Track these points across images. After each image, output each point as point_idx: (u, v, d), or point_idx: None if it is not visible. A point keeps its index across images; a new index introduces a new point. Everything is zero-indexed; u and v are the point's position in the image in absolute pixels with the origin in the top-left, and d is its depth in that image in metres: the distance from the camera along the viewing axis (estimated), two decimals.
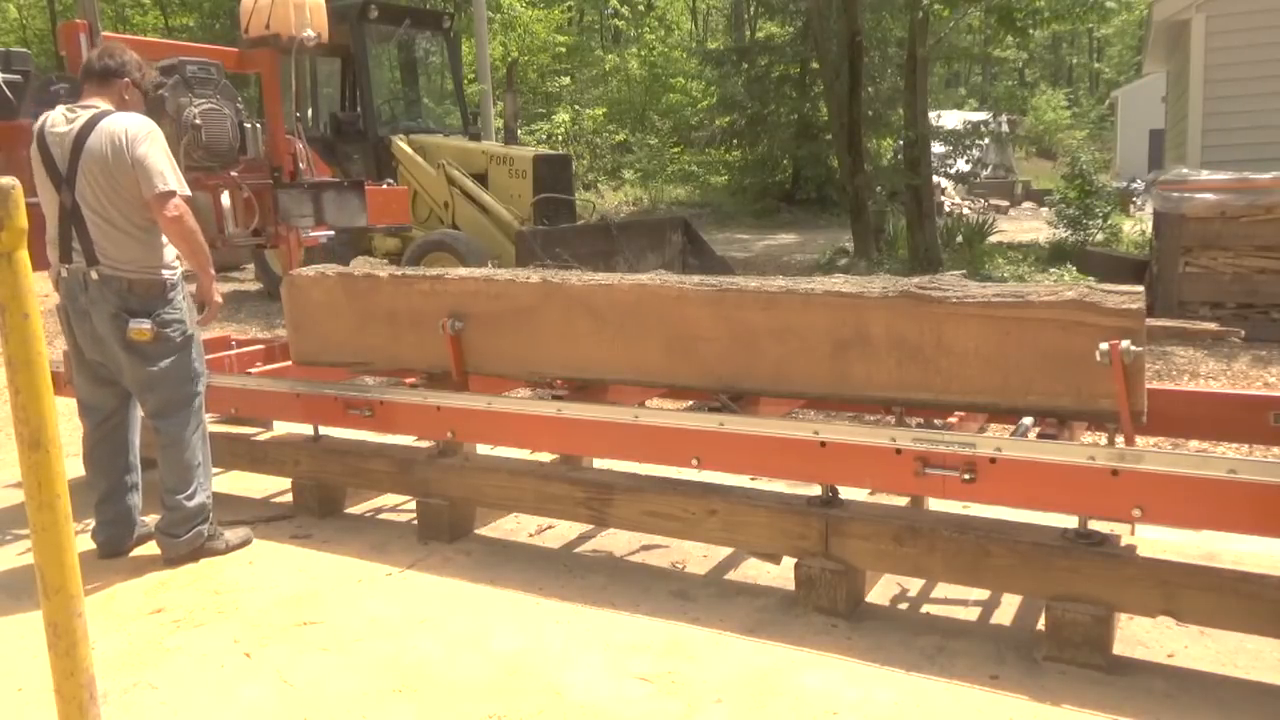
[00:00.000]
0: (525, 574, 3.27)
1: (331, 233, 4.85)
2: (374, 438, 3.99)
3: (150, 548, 3.60)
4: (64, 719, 1.78)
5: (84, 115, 3.28)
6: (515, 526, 3.75)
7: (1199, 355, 6.26)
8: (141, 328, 3.26)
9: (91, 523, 3.56)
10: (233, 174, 4.49)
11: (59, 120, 3.29)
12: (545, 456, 3.83)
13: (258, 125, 4.57)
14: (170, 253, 3.37)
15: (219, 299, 3.57)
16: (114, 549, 3.52)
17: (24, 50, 4.46)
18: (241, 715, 2.48)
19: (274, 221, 4.62)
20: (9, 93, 4.15)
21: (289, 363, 4.14)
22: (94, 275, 3.26)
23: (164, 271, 3.35)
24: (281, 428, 4.31)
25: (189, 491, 3.42)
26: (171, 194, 3.23)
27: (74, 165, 3.23)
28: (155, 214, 3.23)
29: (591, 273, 3.36)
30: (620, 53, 29.98)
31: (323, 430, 3.98)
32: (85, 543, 3.48)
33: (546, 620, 2.93)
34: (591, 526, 3.63)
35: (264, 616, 3.02)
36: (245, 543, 3.61)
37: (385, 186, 5.38)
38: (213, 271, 3.46)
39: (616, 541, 3.54)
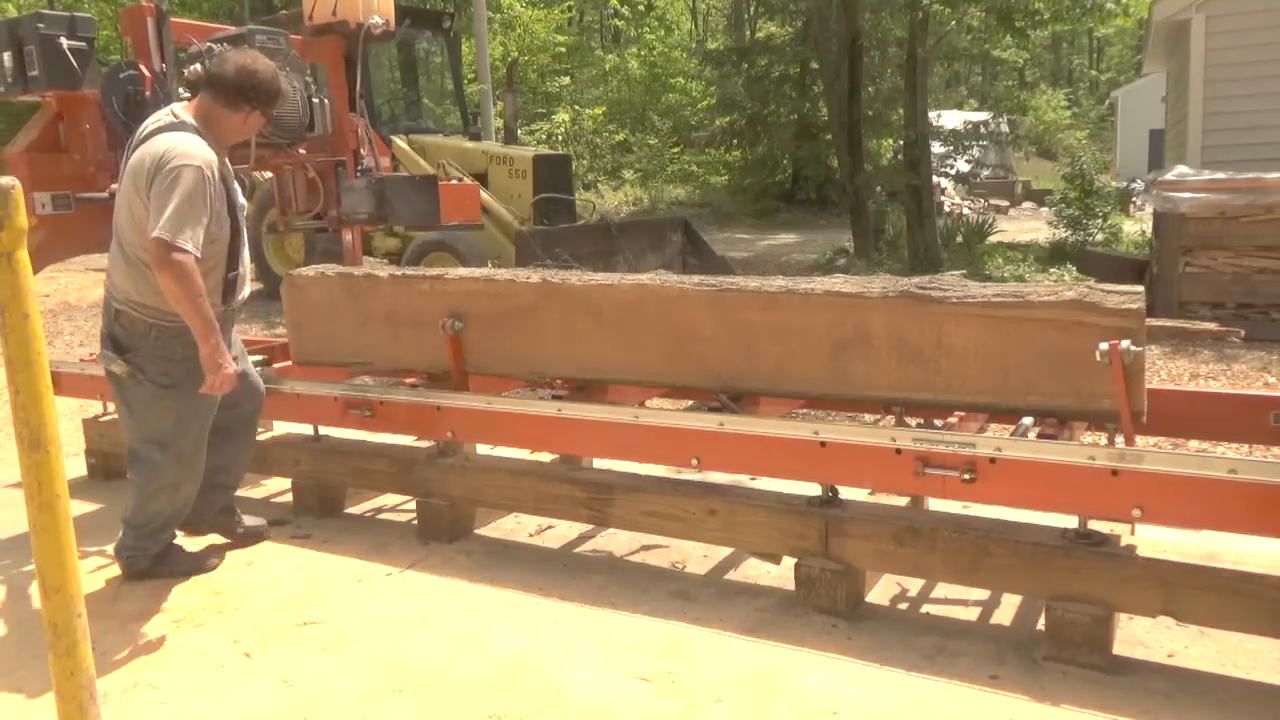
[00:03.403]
0: (525, 574, 3.27)
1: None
2: (374, 438, 3.99)
3: None
4: (64, 719, 1.78)
5: (151, 124, 3.06)
6: (515, 526, 3.75)
7: (1198, 356, 6.26)
8: (114, 360, 3.07)
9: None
10: (300, 151, 4.34)
11: (146, 121, 3.10)
12: (545, 456, 3.83)
13: (325, 101, 4.41)
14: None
15: (228, 369, 3.01)
16: (193, 517, 3.45)
17: (88, 16, 4.33)
18: (241, 715, 2.48)
19: (336, 206, 4.51)
20: (73, 59, 4.07)
21: (289, 363, 4.14)
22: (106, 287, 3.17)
23: (152, 314, 3.04)
24: (281, 428, 4.31)
25: (121, 535, 3.28)
26: (169, 246, 2.82)
27: (122, 173, 3.06)
28: (152, 259, 2.90)
29: (591, 273, 3.36)
30: (620, 53, 29.99)
31: (323, 430, 3.98)
32: (87, 542, 3.48)
33: (546, 620, 2.93)
34: (591, 526, 3.63)
35: (264, 616, 3.02)
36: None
37: (455, 182, 5.11)
38: (215, 340, 2.96)
39: (616, 541, 3.54)
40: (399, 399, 3.60)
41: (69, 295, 10.32)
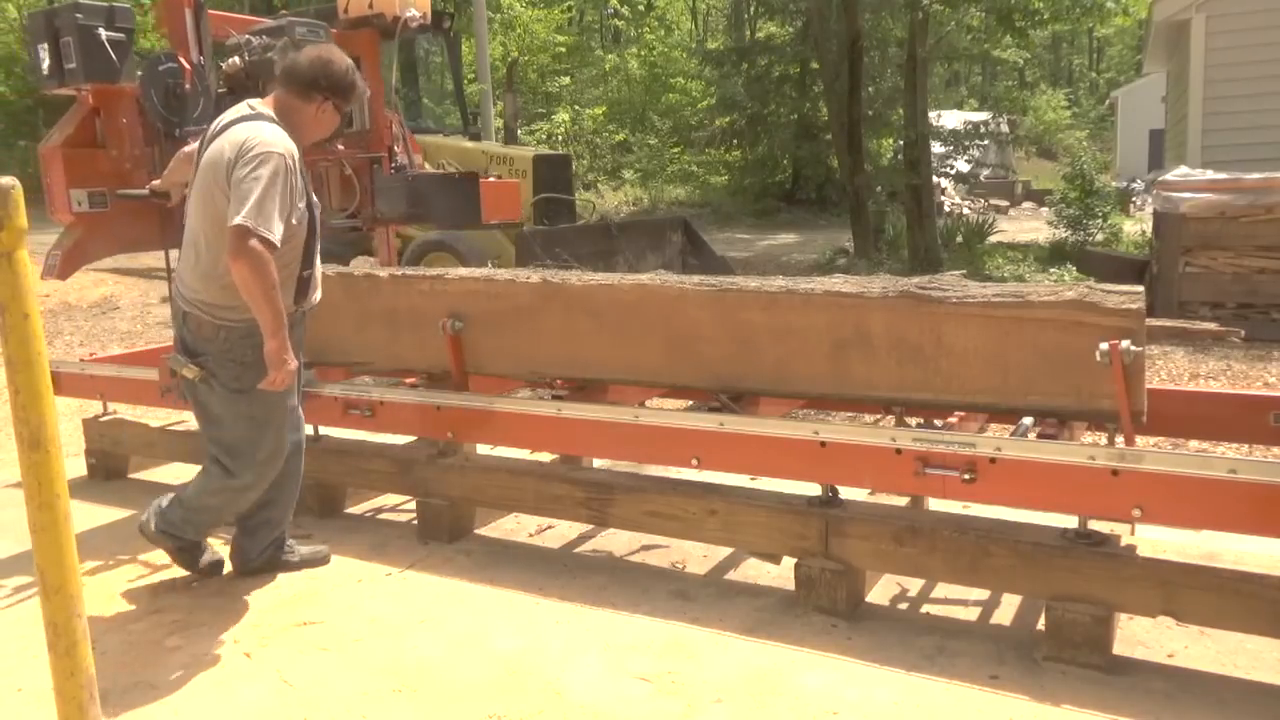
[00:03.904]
0: (525, 574, 3.27)
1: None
2: (374, 438, 3.99)
3: (145, 541, 3.60)
4: (64, 719, 1.78)
5: (229, 116, 2.95)
6: (515, 526, 3.75)
7: (1198, 356, 6.26)
8: (184, 364, 2.97)
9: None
10: (339, 146, 4.22)
11: (220, 117, 3.01)
12: (545, 456, 3.83)
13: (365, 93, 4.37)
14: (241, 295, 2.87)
15: (290, 364, 2.88)
16: (236, 560, 3.34)
17: (126, 6, 4.13)
18: (241, 715, 2.48)
19: (370, 205, 4.40)
20: (112, 52, 3.97)
21: None
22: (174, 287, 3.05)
23: (221, 313, 2.92)
24: None
25: (165, 501, 3.21)
26: (248, 233, 2.70)
27: (197, 168, 2.95)
28: (228, 247, 2.76)
29: (591, 273, 3.36)
30: (620, 53, 29.97)
31: (322, 430, 3.98)
32: (87, 542, 3.48)
33: (546, 620, 2.93)
34: (591, 526, 3.63)
35: (264, 616, 3.02)
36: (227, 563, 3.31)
37: (494, 179, 4.86)
38: (283, 336, 2.84)
39: (616, 541, 3.54)
40: (399, 399, 3.60)
41: (69, 295, 10.31)
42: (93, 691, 1.80)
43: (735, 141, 23.67)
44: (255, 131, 2.82)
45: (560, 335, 3.29)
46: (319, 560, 3.42)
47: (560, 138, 21.62)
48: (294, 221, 2.89)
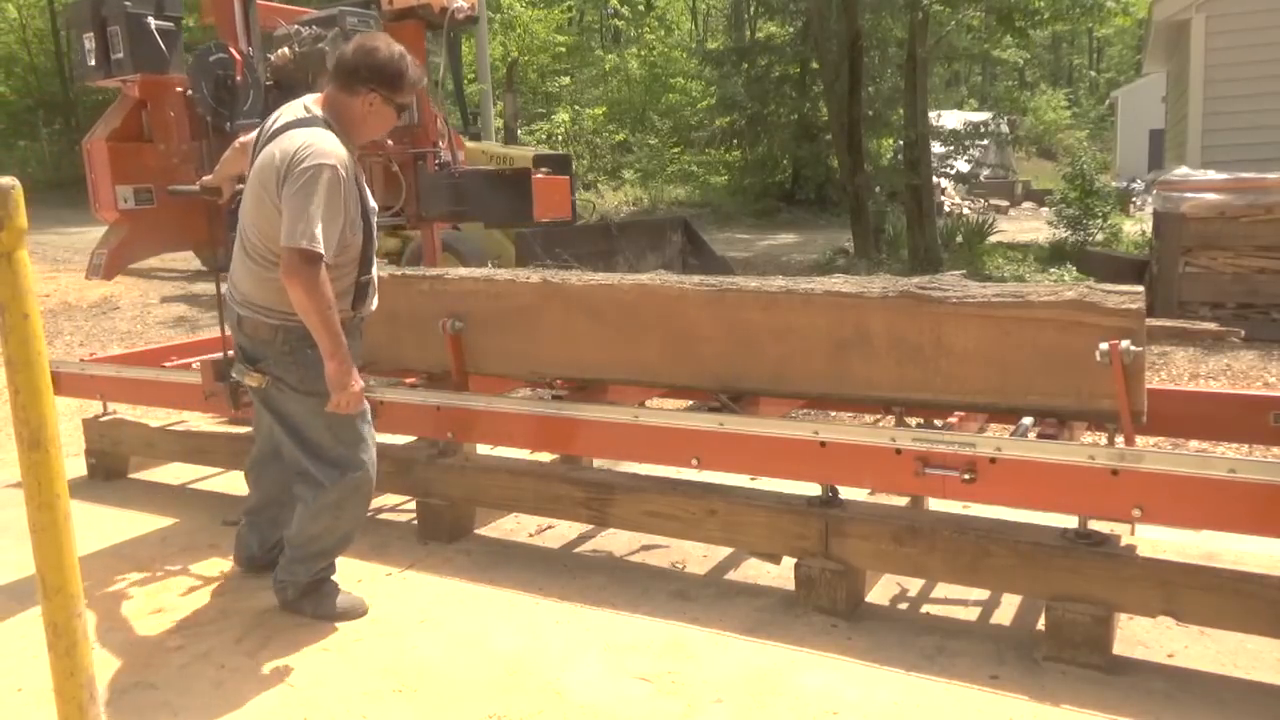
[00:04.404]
0: (525, 574, 3.27)
1: None
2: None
3: (145, 541, 3.61)
4: (64, 719, 1.78)
5: (283, 117, 2.79)
6: (515, 526, 3.75)
7: (1198, 356, 6.26)
8: (247, 372, 2.83)
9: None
10: (389, 142, 4.07)
11: (276, 114, 2.85)
12: (545, 456, 3.83)
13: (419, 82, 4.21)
14: None
15: (355, 387, 2.72)
16: (240, 555, 3.29)
17: None
18: (241, 715, 2.47)
19: (414, 203, 4.22)
20: (161, 42, 3.72)
21: None
22: (226, 291, 2.94)
23: (276, 315, 2.79)
24: None
25: (282, 558, 3.04)
26: (301, 254, 2.56)
27: (254, 162, 2.80)
28: (281, 267, 2.64)
29: (591, 273, 3.36)
30: (620, 53, 29.96)
31: None
32: (87, 542, 3.48)
33: (546, 620, 2.93)
34: (591, 526, 3.63)
35: (264, 616, 3.01)
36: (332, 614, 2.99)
37: (543, 174, 4.61)
38: (342, 356, 2.68)
39: (616, 541, 3.54)
40: (399, 399, 3.60)
41: (69, 295, 10.30)
42: (93, 691, 1.80)
43: (735, 141, 23.66)
44: (307, 139, 2.66)
45: (560, 335, 3.29)
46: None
47: (560, 138, 21.62)
48: (348, 233, 2.75)
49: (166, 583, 3.30)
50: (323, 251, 2.59)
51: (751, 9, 27.21)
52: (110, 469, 4.52)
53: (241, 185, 3.03)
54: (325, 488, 2.84)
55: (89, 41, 3.86)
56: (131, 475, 4.56)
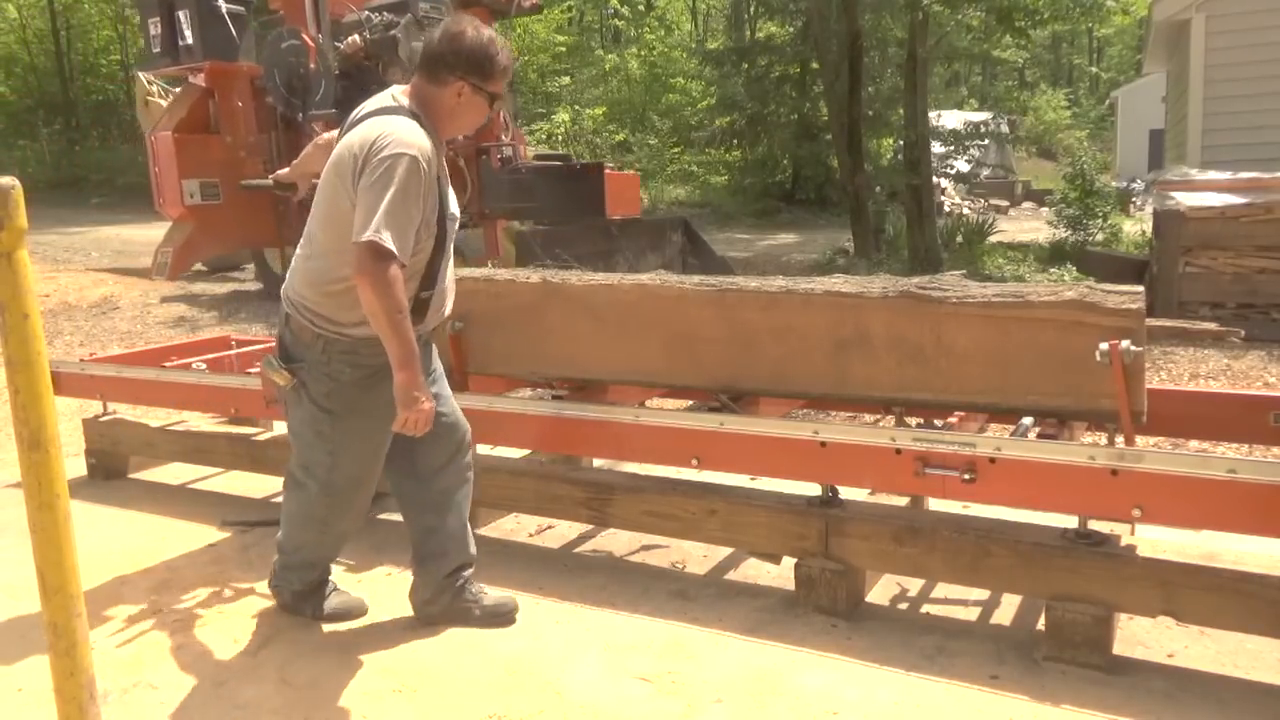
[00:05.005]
0: (525, 574, 3.27)
1: None
2: None
3: (145, 541, 3.61)
4: (64, 719, 1.78)
5: (369, 106, 2.60)
6: (515, 526, 3.75)
7: (1198, 356, 6.26)
8: (277, 368, 2.67)
9: None
10: (460, 136, 3.95)
11: (361, 105, 2.65)
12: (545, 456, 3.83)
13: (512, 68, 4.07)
14: (354, 313, 2.52)
15: (425, 405, 2.47)
16: (416, 599, 2.98)
17: None
18: (241, 715, 2.47)
19: (477, 200, 4.10)
20: (232, 28, 3.62)
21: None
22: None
23: (324, 324, 2.59)
24: (281, 428, 4.30)
25: (274, 561, 2.99)
26: (375, 251, 2.34)
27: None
28: (352, 265, 2.40)
29: (591, 273, 3.36)
30: (620, 53, 29.97)
31: None
32: (87, 542, 3.47)
33: (546, 620, 2.93)
34: (591, 526, 3.63)
35: (264, 616, 3.01)
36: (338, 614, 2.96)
37: (613, 169, 4.52)
38: (414, 369, 2.43)
39: (616, 541, 3.54)
40: None
41: (69, 295, 10.30)
42: (93, 691, 1.80)
43: (735, 141, 23.67)
44: (388, 127, 2.45)
45: (560, 335, 3.29)
46: (504, 616, 2.91)
47: (560, 138, 21.64)
48: (422, 233, 2.51)
49: (166, 583, 3.30)
50: (392, 247, 2.35)
51: (751, 9, 27.21)
52: (110, 469, 4.52)
53: (318, 181, 2.92)
54: (313, 501, 2.78)
55: (154, 27, 3.70)
56: (131, 475, 4.56)
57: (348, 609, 2.98)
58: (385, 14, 3.44)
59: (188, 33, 3.55)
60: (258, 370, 3.76)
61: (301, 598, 2.96)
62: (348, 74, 3.43)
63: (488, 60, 2.53)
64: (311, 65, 3.46)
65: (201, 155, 3.70)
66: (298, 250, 2.73)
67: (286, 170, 3.13)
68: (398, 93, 2.61)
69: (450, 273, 2.76)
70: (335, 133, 2.80)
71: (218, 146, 3.75)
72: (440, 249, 2.63)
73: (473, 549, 2.95)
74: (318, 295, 2.59)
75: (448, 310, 2.81)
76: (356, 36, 3.33)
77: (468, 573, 2.93)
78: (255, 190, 3.27)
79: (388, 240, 2.34)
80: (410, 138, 2.44)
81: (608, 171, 4.20)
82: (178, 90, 3.78)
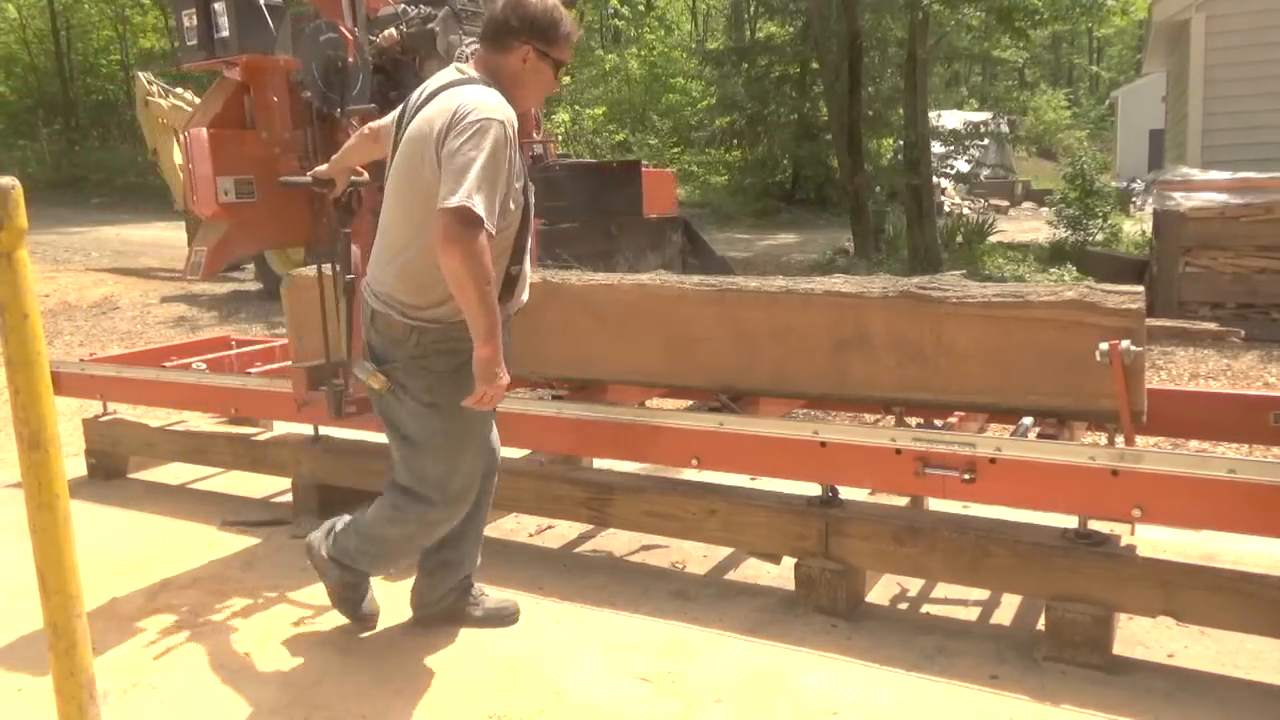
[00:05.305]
0: (525, 574, 3.27)
1: None
2: (374, 437, 3.98)
3: (145, 541, 3.61)
4: (64, 719, 1.78)
5: (434, 82, 2.50)
6: (515, 526, 3.75)
7: (1198, 356, 6.26)
8: (371, 372, 2.54)
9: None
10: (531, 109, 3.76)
11: (421, 87, 2.55)
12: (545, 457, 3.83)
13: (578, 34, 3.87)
14: (441, 291, 2.42)
15: (502, 381, 2.38)
16: (417, 601, 2.93)
17: None
18: (241, 715, 2.47)
19: None
20: (269, 19, 3.43)
21: (289, 363, 4.13)
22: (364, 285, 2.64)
23: (416, 312, 2.48)
24: (281, 428, 4.31)
25: (338, 528, 2.83)
26: (462, 216, 2.23)
27: (398, 142, 2.51)
28: (435, 233, 2.29)
29: (591, 273, 3.36)
30: (620, 53, 29.97)
31: (323, 430, 3.98)
32: (87, 542, 3.47)
33: (547, 620, 2.93)
34: (591, 526, 3.63)
35: (264, 616, 3.01)
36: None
37: (650, 167, 4.29)
38: (497, 344, 2.34)
39: (616, 541, 3.54)
40: None
41: (69, 295, 10.31)
42: (93, 691, 1.80)
43: (735, 141, 23.65)
44: (471, 96, 2.36)
45: (560, 335, 3.29)
46: (505, 618, 2.93)
47: (560, 138, 21.62)
48: (510, 206, 2.44)
49: (167, 583, 3.30)
50: (482, 213, 2.24)
51: (751, 9, 27.22)
52: (110, 469, 4.52)
53: (356, 178, 2.84)
54: (425, 505, 2.63)
55: (189, 19, 3.57)
56: (131, 475, 4.56)
57: (365, 613, 2.89)
58: (422, 7, 3.37)
59: (224, 25, 3.46)
60: (259, 370, 3.70)
61: (352, 587, 2.83)
62: (382, 68, 3.36)
63: (551, 25, 2.46)
64: (350, 59, 3.40)
65: (236, 151, 3.58)
66: (376, 244, 2.62)
67: (325, 166, 3.06)
68: (463, 65, 2.55)
69: (529, 250, 2.66)
70: (383, 121, 2.76)
71: (253, 142, 3.63)
72: (525, 223, 2.56)
73: (479, 558, 2.93)
74: (406, 284, 2.49)
75: (525, 296, 2.71)
76: (392, 30, 3.27)
77: (470, 576, 2.94)
78: (292, 187, 3.18)
79: (479, 205, 2.24)
80: (495, 104, 2.37)
81: (644, 169, 4.01)
82: (200, 89, 3.68)
